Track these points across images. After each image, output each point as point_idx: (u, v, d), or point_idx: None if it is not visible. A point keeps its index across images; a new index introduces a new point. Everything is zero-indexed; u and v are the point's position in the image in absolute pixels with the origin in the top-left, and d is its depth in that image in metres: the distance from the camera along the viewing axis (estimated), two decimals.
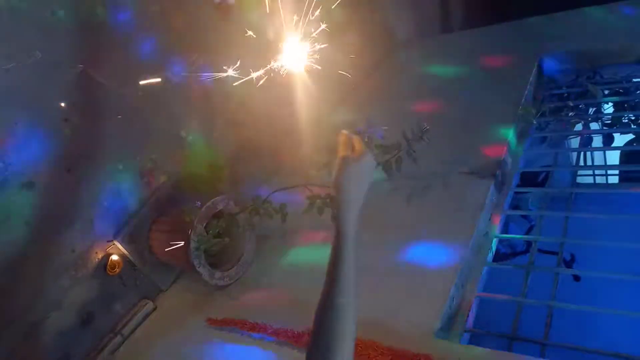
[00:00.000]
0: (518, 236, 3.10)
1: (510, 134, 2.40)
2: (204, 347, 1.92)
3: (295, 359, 1.67)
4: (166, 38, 2.31)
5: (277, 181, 2.65)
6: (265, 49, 1.48)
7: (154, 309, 2.25)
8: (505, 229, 2.26)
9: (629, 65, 2.71)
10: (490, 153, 2.30)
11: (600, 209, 1.99)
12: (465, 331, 1.68)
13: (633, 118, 2.49)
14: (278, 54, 1.48)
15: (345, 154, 1.06)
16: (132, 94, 2.17)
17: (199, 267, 2.01)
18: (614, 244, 1.83)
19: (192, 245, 1.98)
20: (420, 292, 1.75)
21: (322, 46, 1.47)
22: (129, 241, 2.17)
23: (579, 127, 2.67)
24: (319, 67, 1.54)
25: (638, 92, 2.58)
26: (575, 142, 2.71)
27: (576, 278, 3.02)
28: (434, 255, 1.90)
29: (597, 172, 4.64)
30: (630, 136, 2.59)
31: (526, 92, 2.70)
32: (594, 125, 2.69)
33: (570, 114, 2.65)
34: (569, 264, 3.35)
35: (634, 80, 2.67)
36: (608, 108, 2.66)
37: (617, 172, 4.61)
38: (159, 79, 1.81)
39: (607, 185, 4.63)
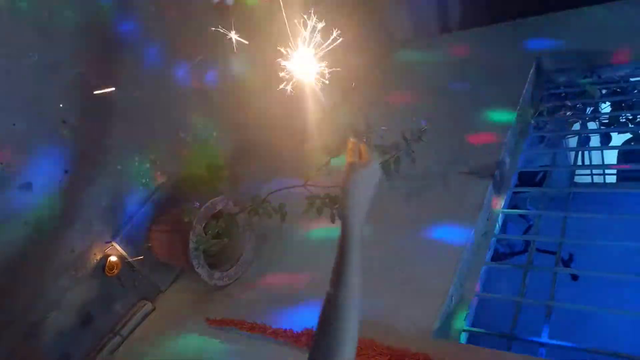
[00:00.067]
0: (516, 236, 3.11)
1: (508, 134, 2.41)
2: (203, 347, 1.92)
3: (294, 358, 1.67)
4: (166, 38, 2.31)
5: (276, 181, 2.65)
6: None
7: (153, 310, 2.25)
8: (503, 228, 2.27)
9: (626, 65, 2.72)
10: (489, 153, 2.30)
11: (598, 209, 2.00)
12: (463, 331, 1.68)
13: (630, 117, 2.49)
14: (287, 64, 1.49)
15: (352, 160, 1.09)
16: (131, 95, 2.17)
17: (198, 268, 2.01)
18: (612, 243, 1.84)
19: (191, 245, 1.98)
20: (419, 291, 1.75)
21: (333, 69, 1.49)
22: (127, 242, 2.17)
23: (576, 126, 2.68)
24: (327, 82, 1.55)
25: (635, 91, 2.58)
26: (573, 141, 2.72)
27: (574, 277, 3.03)
28: (433, 254, 1.90)
29: (595, 171, 4.64)
30: (628, 135, 2.59)
31: (524, 92, 2.71)
32: (592, 125, 2.70)
33: (568, 113, 2.65)
34: (567, 263, 3.35)
35: (632, 79, 2.67)
36: (606, 107, 2.66)
37: (614, 171, 4.61)
38: (112, 88, 1.82)
39: (605, 185, 4.64)
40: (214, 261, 2.16)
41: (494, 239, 2.06)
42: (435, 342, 1.56)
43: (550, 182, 2.33)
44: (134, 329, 2.16)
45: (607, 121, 2.58)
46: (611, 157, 4.39)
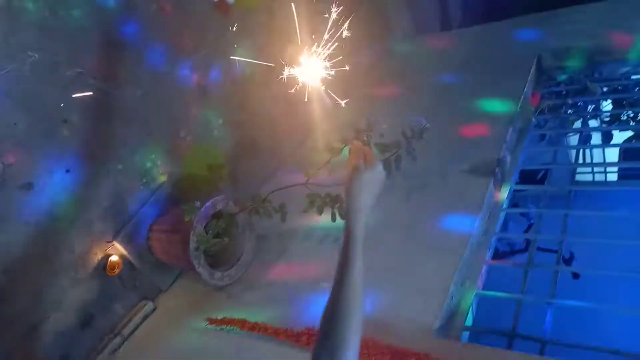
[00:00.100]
0: (517, 234, 3.10)
1: (509, 131, 2.40)
2: (204, 347, 1.92)
3: (295, 358, 1.67)
4: (167, 37, 2.31)
5: (277, 181, 2.65)
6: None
7: (154, 310, 2.25)
8: (504, 227, 2.26)
9: (627, 62, 2.71)
10: (489, 151, 2.30)
11: (600, 207, 2.00)
12: (464, 329, 1.68)
13: (632, 115, 2.49)
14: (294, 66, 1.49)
15: (357, 163, 1.11)
16: (132, 95, 2.17)
17: (198, 268, 2.01)
18: (613, 241, 1.84)
19: (192, 245, 1.98)
20: (420, 290, 1.75)
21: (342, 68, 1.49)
22: (128, 241, 2.17)
23: (578, 124, 2.67)
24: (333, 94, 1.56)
25: (637, 89, 2.58)
26: (574, 139, 2.72)
27: (575, 276, 3.03)
28: (434, 252, 1.90)
29: (596, 169, 4.64)
30: (629, 133, 2.59)
31: (525, 89, 2.70)
32: (593, 123, 2.69)
33: (569, 111, 2.65)
34: (568, 261, 3.36)
35: (633, 77, 2.67)
36: (607, 105, 2.66)
37: (616, 169, 4.61)
38: (90, 92, 1.82)
39: (606, 183, 4.64)
40: (215, 261, 2.16)
41: (494, 237, 2.06)
42: (436, 340, 1.56)
43: (551, 180, 2.33)
44: (135, 329, 2.16)
45: (608, 119, 2.57)
46: (612, 155, 4.38)
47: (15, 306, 1.86)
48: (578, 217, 2.00)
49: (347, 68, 1.48)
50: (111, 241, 2.13)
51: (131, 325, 2.15)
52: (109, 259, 2.11)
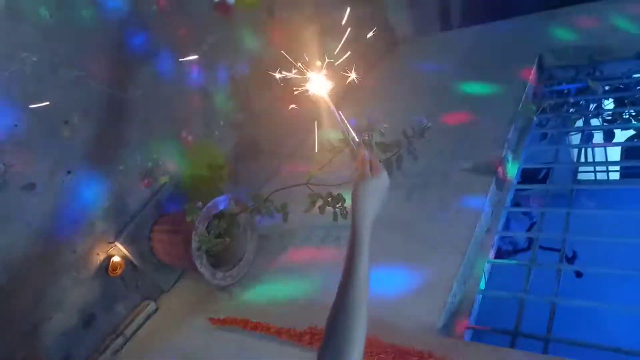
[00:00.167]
0: (520, 233, 3.10)
1: (511, 130, 2.40)
2: (206, 347, 1.92)
3: (297, 357, 1.67)
4: (168, 37, 2.31)
5: (278, 180, 2.65)
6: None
7: (156, 310, 2.25)
8: (506, 226, 2.26)
9: (628, 61, 2.71)
10: (491, 150, 2.30)
11: (602, 205, 1.99)
12: (467, 328, 1.68)
13: (634, 114, 2.48)
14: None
15: (363, 171, 1.15)
16: (133, 95, 2.18)
17: (200, 268, 2.01)
18: (615, 239, 1.83)
19: (194, 245, 1.98)
20: (423, 289, 1.75)
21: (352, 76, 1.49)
22: (130, 242, 2.17)
23: (579, 123, 2.67)
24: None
25: (638, 87, 2.57)
26: (576, 138, 2.71)
27: (578, 274, 3.02)
28: (436, 251, 1.90)
29: (598, 168, 4.63)
30: (631, 132, 2.58)
31: (526, 88, 2.70)
32: (595, 121, 2.69)
33: (570, 110, 2.65)
34: (570, 260, 3.35)
35: (634, 76, 2.66)
36: (608, 104, 2.65)
37: (618, 168, 4.60)
38: (47, 102, 1.80)
39: (609, 182, 4.63)
40: (217, 261, 2.16)
41: (497, 236, 2.05)
42: (439, 339, 1.56)
43: (553, 179, 2.33)
44: (137, 329, 2.16)
45: (610, 118, 2.57)
46: (614, 153, 4.38)
47: (17, 306, 1.86)
48: (580, 216, 2.00)
49: (354, 77, 1.48)
50: (113, 242, 2.13)
51: (133, 326, 2.15)
52: (111, 260, 2.11)
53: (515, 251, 3.81)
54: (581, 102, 2.66)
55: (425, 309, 1.66)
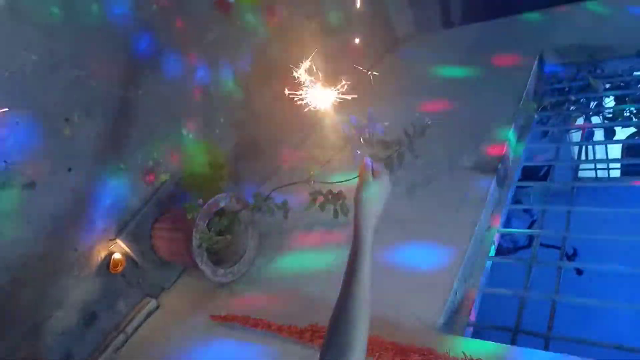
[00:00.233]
0: (520, 230, 3.10)
1: (511, 128, 2.40)
2: (207, 344, 1.92)
3: (298, 354, 1.67)
4: (167, 37, 2.31)
5: (279, 178, 2.65)
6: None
7: (157, 307, 2.25)
8: (507, 223, 2.26)
9: (629, 59, 2.71)
10: (492, 148, 2.30)
11: (602, 203, 1.99)
12: (468, 325, 1.68)
13: (634, 111, 2.48)
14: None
15: (366, 175, 1.19)
16: (133, 94, 2.18)
17: (201, 265, 2.01)
18: (616, 237, 1.83)
19: (195, 243, 1.98)
20: (423, 286, 1.75)
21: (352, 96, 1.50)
22: (131, 239, 2.17)
23: (580, 121, 2.67)
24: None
25: (639, 85, 2.57)
26: (576, 136, 2.71)
27: (579, 272, 3.02)
28: (437, 250, 1.90)
29: (598, 165, 4.63)
30: (632, 129, 2.58)
31: (527, 86, 2.70)
32: (596, 119, 2.69)
33: (571, 108, 2.64)
34: (571, 258, 3.35)
35: (635, 73, 2.66)
36: (609, 102, 2.65)
37: (618, 165, 4.60)
38: (5, 109, 1.78)
39: (609, 179, 4.63)
40: (218, 258, 2.17)
41: (497, 233, 2.05)
42: (440, 336, 1.56)
43: (554, 177, 2.33)
44: (139, 326, 2.17)
45: (610, 115, 2.57)
46: (615, 151, 4.38)
47: (19, 304, 1.86)
48: (581, 213, 2.00)
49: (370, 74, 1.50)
50: (114, 239, 2.13)
51: (134, 323, 2.16)
52: (112, 257, 2.11)
53: (516, 248, 3.82)
54: (582, 100, 2.66)
55: (426, 307, 1.66)
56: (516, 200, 2.38)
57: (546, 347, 1.55)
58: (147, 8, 2.22)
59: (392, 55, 3.89)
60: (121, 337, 2.11)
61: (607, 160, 4.52)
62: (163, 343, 2.04)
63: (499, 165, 2.18)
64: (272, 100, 2.78)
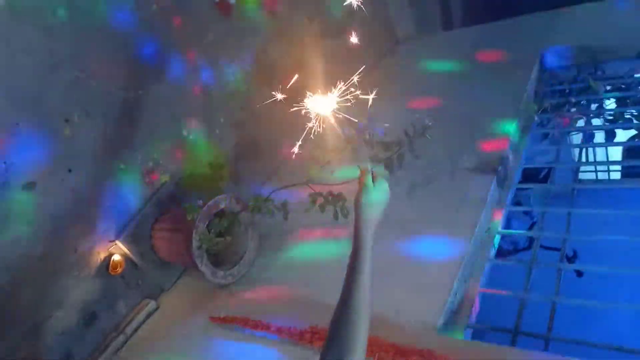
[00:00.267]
0: (521, 232, 3.10)
1: (512, 130, 2.40)
2: (207, 345, 1.92)
3: (297, 356, 1.67)
4: (167, 37, 2.31)
5: (278, 179, 2.65)
6: None
7: (157, 308, 2.25)
8: (507, 225, 2.26)
9: (630, 61, 2.70)
10: (492, 149, 2.29)
11: (603, 205, 1.99)
12: (468, 326, 1.67)
13: (635, 113, 2.48)
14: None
15: (366, 181, 1.22)
16: (133, 94, 2.18)
17: (201, 266, 2.01)
18: (616, 238, 1.83)
19: (195, 244, 1.98)
20: (423, 288, 1.75)
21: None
22: (131, 240, 2.17)
23: (581, 123, 2.66)
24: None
25: None
26: (577, 138, 2.71)
27: (579, 274, 3.01)
28: (437, 250, 1.90)
29: (599, 168, 4.62)
30: (633, 132, 2.58)
31: (527, 88, 2.70)
32: (596, 121, 2.68)
33: (572, 109, 2.64)
34: (571, 260, 3.34)
35: (636, 75, 2.66)
36: (610, 104, 2.65)
37: (619, 167, 4.59)
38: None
39: (610, 181, 4.62)
40: (218, 259, 2.16)
41: (498, 235, 2.05)
42: (439, 338, 1.56)
43: (554, 179, 2.33)
44: (138, 327, 2.17)
45: (611, 117, 2.56)
46: (616, 153, 4.37)
47: (19, 305, 1.86)
48: (581, 215, 2.00)
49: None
50: (114, 240, 2.13)
51: (134, 324, 2.16)
52: (112, 258, 2.11)
53: (516, 250, 3.81)
54: (582, 102, 2.65)
55: (426, 308, 1.66)
56: (516, 202, 2.38)
57: (546, 349, 1.54)
58: (147, 8, 2.22)
59: (392, 56, 3.89)
60: (121, 337, 2.10)
61: (608, 163, 4.52)
62: (162, 344, 2.03)
63: (499, 167, 2.18)
64: (272, 101, 2.77)
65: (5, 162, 1.77)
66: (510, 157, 2.35)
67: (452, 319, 1.69)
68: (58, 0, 1.89)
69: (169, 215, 2.28)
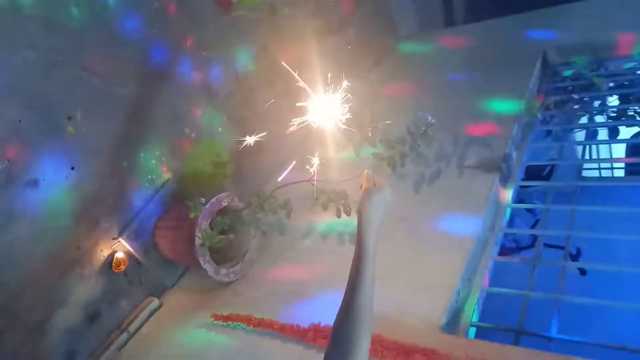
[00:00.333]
0: (524, 230, 3.09)
1: (515, 127, 2.39)
2: (209, 343, 1.92)
3: (301, 354, 1.67)
4: (169, 35, 2.31)
5: (281, 177, 2.65)
6: None
7: (160, 306, 2.25)
8: (510, 223, 2.25)
9: (633, 57, 2.69)
10: (495, 146, 2.29)
11: (606, 202, 1.98)
12: (471, 325, 1.67)
13: (638, 110, 2.47)
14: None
15: (368, 186, 1.28)
16: (136, 92, 2.18)
17: (204, 264, 2.01)
18: (620, 237, 1.82)
19: (197, 242, 1.98)
20: (427, 286, 1.75)
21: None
22: (134, 238, 2.17)
23: (584, 120, 2.66)
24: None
25: None
26: (580, 135, 2.70)
27: (582, 272, 3.01)
28: (440, 249, 1.89)
29: (602, 165, 4.62)
30: (636, 129, 2.57)
31: (530, 85, 2.69)
32: (599, 118, 2.67)
33: (575, 106, 2.63)
34: (575, 258, 3.34)
35: (639, 72, 2.65)
36: (613, 101, 2.64)
37: (622, 165, 4.59)
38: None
39: (613, 179, 4.62)
40: (220, 257, 2.17)
41: (501, 233, 2.05)
42: (443, 336, 1.56)
43: (558, 176, 2.32)
44: (141, 325, 2.17)
45: (614, 114, 2.56)
46: (619, 150, 4.36)
47: (22, 302, 1.87)
48: (585, 213, 1.99)
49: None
50: (117, 238, 2.13)
51: (137, 322, 2.16)
52: (115, 256, 2.11)
53: (519, 248, 3.81)
54: (585, 99, 2.65)
55: (429, 307, 1.66)
56: (519, 200, 2.37)
57: (549, 348, 1.54)
58: (149, 6, 2.21)
59: (394, 53, 3.88)
60: (124, 335, 2.11)
61: (611, 160, 4.51)
62: (165, 342, 2.03)
63: (503, 165, 2.17)
64: (274, 98, 2.77)
65: (8, 160, 1.78)
66: (514, 154, 2.35)
67: (456, 318, 1.69)
68: None
69: (171, 213, 2.28)
